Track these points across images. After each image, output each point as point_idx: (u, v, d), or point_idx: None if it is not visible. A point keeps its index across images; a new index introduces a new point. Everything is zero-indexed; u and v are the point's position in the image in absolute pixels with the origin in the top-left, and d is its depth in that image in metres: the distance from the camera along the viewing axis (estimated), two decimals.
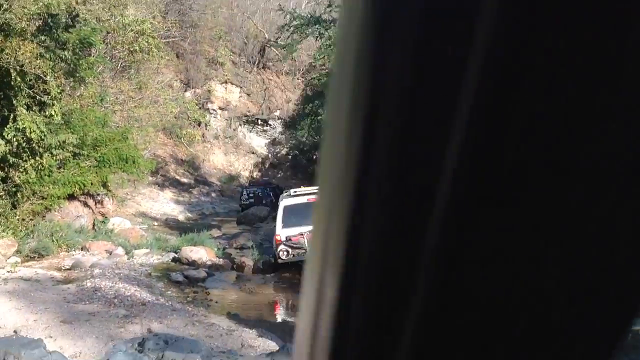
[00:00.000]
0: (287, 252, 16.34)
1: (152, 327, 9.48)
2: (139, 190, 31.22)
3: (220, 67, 46.77)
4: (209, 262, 17.55)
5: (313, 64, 45.53)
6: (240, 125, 49.02)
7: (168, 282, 14.89)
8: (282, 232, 16.60)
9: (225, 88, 47.69)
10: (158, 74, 33.28)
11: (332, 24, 28.21)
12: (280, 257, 16.43)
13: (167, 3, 39.38)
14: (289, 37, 32.33)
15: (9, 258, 15.62)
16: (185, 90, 43.09)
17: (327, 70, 39.78)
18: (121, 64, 28.19)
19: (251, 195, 34.36)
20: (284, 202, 17.17)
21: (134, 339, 7.12)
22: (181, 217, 32.52)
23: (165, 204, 35.32)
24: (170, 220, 30.25)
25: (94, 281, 12.94)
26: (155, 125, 32.69)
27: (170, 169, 40.94)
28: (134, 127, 25.86)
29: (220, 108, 47.48)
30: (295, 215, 16.65)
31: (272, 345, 8.87)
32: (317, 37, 30.80)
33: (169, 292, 13.81)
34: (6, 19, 14.09)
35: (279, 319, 12.34)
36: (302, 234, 16.24)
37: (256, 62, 49.55)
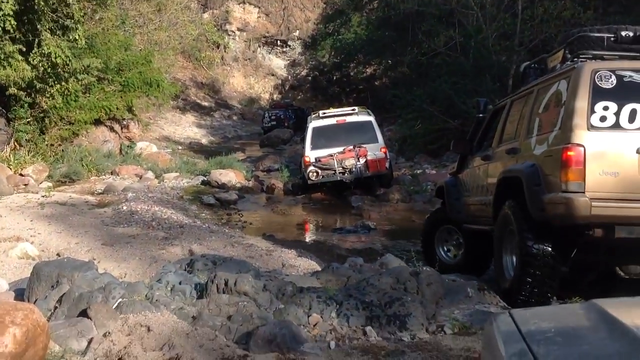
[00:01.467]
0: (317, 173, 16.30)
1: (192, 249, 9.59)
2: (162, 114, 31.21)
3: None
4: (238, 185, 17.63)
5: None
6: (259, 46, 48.19)
7: (201, 205, 15.02)
8: (311, 154, 16.52)
9: (244, 8, 46.59)
10: None
11: None
12: (310, 178, 16.40)
13: None
14: None
15: (41, 183, 15.82)
16: (203, 12, 42.26)
17: None
18: None
19: (273, 117, 34.12)
20: (313, 123, 16.97)
21: (181, 260, 7.17)
22: (204, 141, 32.59)
23: (188, 127, 35.34)
24: (194, 143, 30.36)
25: (129, 204, 13.04)
26: (175, 48, 32.33)
27: (190, 92, 40.70)
28: (155, 51, 25.58)
29: (238, 29, 46.57)
30: (324, 136, 16.52)
31: (313, 265, 8.94)
32: None
33: (204, 215, 13.94)
34: None
35: (314, 239, 12.43)
36: (332, 156, 16.17)
37: None
